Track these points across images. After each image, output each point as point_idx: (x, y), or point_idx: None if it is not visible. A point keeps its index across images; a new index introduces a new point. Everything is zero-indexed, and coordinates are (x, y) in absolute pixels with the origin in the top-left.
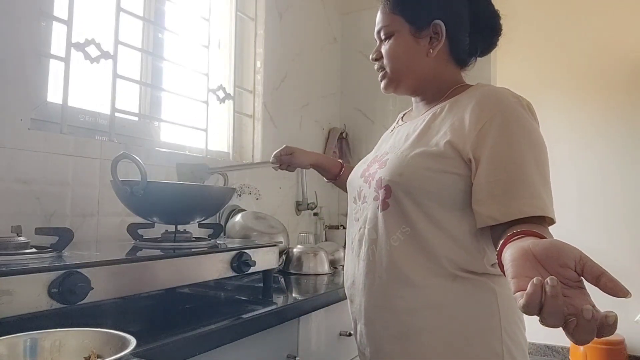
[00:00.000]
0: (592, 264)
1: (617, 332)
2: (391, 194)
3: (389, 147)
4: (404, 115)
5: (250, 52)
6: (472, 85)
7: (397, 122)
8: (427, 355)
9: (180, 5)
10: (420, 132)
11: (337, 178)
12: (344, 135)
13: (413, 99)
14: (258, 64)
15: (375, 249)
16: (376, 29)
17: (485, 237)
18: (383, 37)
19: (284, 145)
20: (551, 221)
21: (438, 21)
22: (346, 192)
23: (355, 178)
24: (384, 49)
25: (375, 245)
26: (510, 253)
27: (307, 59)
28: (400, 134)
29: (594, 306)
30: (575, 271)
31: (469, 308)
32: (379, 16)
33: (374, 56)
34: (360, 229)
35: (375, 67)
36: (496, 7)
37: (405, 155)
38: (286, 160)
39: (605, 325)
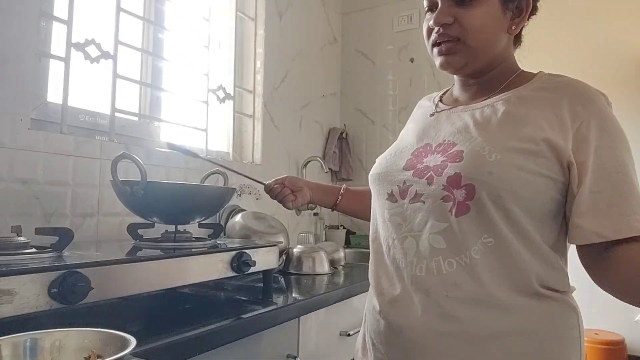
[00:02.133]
0: None
1: (617, 332)
2: (474, 196)
3: (449, 136)
4: (441, 96)
5: (250, 52)
6: (535, 74)
7: (436, 105)
8: None
9: (180, 5)
10: (500, 122)
11: (336, 205)
12: (344, 135)
13: (461, 80)
14: (258, 64)
15: (442, 262)
16: None
17: (564, 252)
18: (467, 0)
19: (288, 176)
20: None
21: None
22: (348, 214)
23: (391, 171)
24: (462, 15)
25: (443, 257)
26: None
27: (307, 59)
28: (460, 121)
29: None
30: None
31: (557, 330)
32: None
33: (446, 20)
34: (408, 235)
35: (435, 36)
36: None
37: (490, 149)
38: (287, 196)
39: None
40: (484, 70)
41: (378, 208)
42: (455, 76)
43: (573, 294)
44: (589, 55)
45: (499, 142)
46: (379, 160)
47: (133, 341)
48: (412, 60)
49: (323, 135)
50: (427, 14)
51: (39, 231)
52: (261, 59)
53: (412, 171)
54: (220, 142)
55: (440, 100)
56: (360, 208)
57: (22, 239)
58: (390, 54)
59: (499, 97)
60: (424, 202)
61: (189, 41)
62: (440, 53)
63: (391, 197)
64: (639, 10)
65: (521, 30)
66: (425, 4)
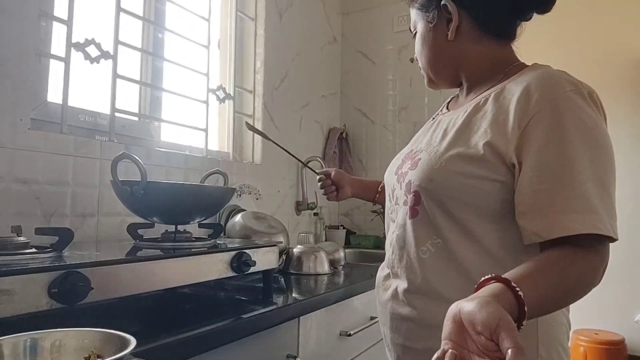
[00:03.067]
0: (505, 336)
1: (617, 332)
2: (420, 202)
3: (424, 143)
4: (449, 101)
5: (250, 52)
6: (528, 66)
7: (441, 110)
8: None
9: (180, 5)
10: (458, 128)
11: (375, 199)
12: (344, 135)
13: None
14: (258, 64)
15: (403, 257)
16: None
17: (532, 253)
18: (414, 35)
19: (335, 171)
20: (611, 239)
21: (443, 1)
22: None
23: (390, 174)
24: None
25: (403, 253)
26: (449, 310)
27: (307, 59)
28: (440, 128)
29: None
30: (492, 340)
31: None
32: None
33: (412, 57)
34: (394, 232)
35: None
36: None
37: (438, 156)
38: (331, 192)
39: None
40: (457, 78)
41: (386, 205)
42: None
43: None
44: (589, 54)
45: (449, 149)
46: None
47: (133, 341)
48: (412, 60)
49: (323, 135)
50: None
51: (39, 231)
52: (261, 59)
53: (397, 176)
54: (220, 142)
55: (447, 104)
56: None
57: (22, 239)
58: (390, 54)
59: (474, 100)
60: (399, 205)
61: (189, 41)
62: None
63: (389, 198)
64: (629, 8)
65: (497, 23)
66: None
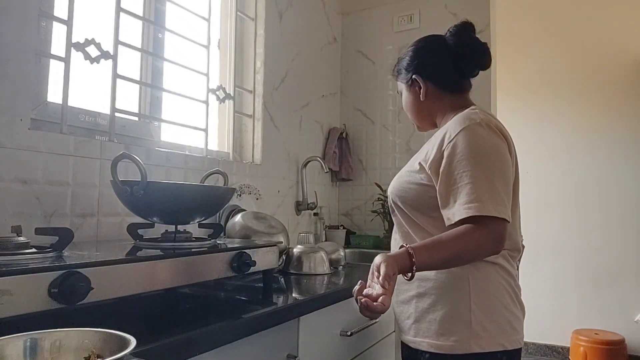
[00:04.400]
0: (378, 274)
1: (617, 332)
2: (391, 203)
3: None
4: None
5: (250, 52)
6: (461, 111)
7: None
8: (427, 328)
9: (180, 5)
10: (415, 155)
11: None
12: (344, 135)
13: None
14: (258, 64)
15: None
16: None
17: None
18: (400, 96)
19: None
20: (497, 219)
21: (414, 76)
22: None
23: None
24: None
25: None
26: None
27: (307, 59)
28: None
29: (377, 297)
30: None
31: (447, 288)
32: None
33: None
34: None
35: None
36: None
37: (401, 173)
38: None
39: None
40: (433, 123)
41: None
42: None
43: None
44: (586, 54)
45: (406, 167)
46: None
47: (133, 341)
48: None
49: (323, 135)
50: None
51: (39, 231)
52: (261, 59)
53: None
54: (220, 142)
55: None
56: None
57: (22, 239)
58: (390, 54)
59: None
60: None
61: (189, 41)
62: None
63: None
64: (632, 10)
65: (451, 84)
66: None
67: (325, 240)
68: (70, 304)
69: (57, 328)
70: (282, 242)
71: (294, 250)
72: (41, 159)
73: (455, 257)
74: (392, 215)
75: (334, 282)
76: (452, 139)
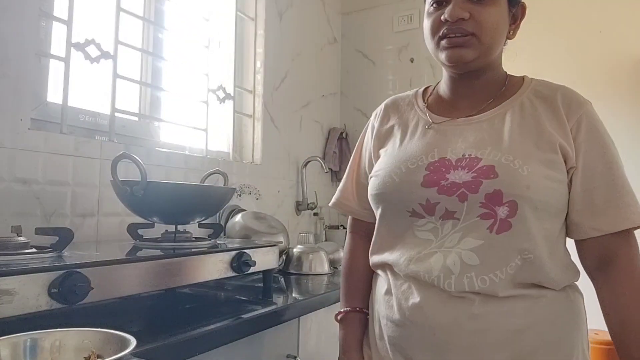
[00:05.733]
0: None
1: None
2: (517, 212)
3: (468, 150)
4: (426, 100)
5: (250, 52)
6: (522, 78)
7: (426, 117)
8: None
9: (180, 5)
10: (518, 133)
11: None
12: (344, 135)
13: (457, 80)
14: (258, 64)
15: (475, 278)
16: None
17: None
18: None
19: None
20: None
21: (523, 2)
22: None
23: (407, 188)
24: (478, 12)
25: (476, 274)
26: None
27: (307, 59)
28: (474, 134)
29: None
30: None
31: (570, 324)
32: None
33: (463, 15)
34: (437, 250)
35: (446, 29)
36: None
37: (521, 162)
38: None
39: None
40: (485, 70)
41: (396, 225)
42: (449, 75)
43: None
44: (590, 53)
45: (524, 154)
46: (383, 176)
47: (133, 341)
48: (412, 60)
49: (323, 135)
50: (433, 7)
51: (39, 231)
52: (261, 59)
53: (435, 188)
54: (220, 142)
55: (427, 105)
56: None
57: (22, 239)
58: (390, 54)
59: (502, 107)
60: (458, 220)
61: (189, 41)
62: (451, 44)
63: (415, 214)
64: (629, 8)
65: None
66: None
67: (325, 240)
68: (70, 304)
69: (57, 328)
70: (282, 242)
71: (294, 250)
72: (41, 159)
73: None
74: (499, 226)
75: (334, 282)
76: (581, 120)
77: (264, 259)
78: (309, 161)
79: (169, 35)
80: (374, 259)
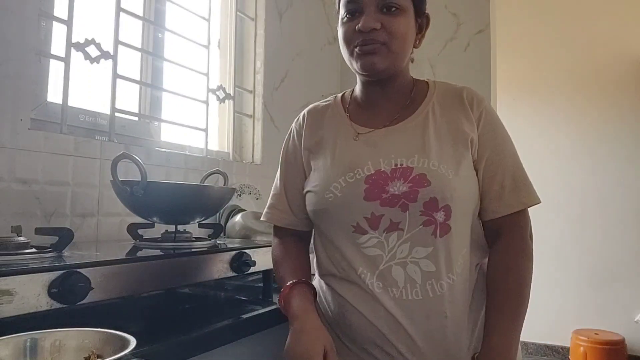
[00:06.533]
0: None
1: (617, 332)
2: (451, 215)
3: (399, 159)
4: (346, 109)
5: (250, 52)
6: (427, 81)
7: (352, 128)
8: None
9: (180, 5)
10: (438, 137)
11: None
12: None
13: (370, 87)
14: (258, 64)
15: (435, 283)
16: None
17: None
18: (392, 9)
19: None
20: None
21: (427, 13)
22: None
23: (349, 202)
24: (388, 22)
25: (436, 279)
26: None
27: (307, 59)
28: (401, 142)
29: None
30: None
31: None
32: None
33: (374, 25)
34: (392, 264)
35: (361, 39)
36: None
37: (445, 166)
38: None
39: None
40: (395, 76)
41: (339, 242)
42: (362, 82)
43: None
44: (585, 54)
45: (446, 157)
46: (323, 192)
47: (133, 341)
48: (412, 60)
49: None
50: (347, 17)
51: (39, 231)
52: (261, 59)
53: (377, 201)
54: (220, 142)
55: (349, 115)
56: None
57: (22, 239)
58: None
59: (419, 113)
60: (403, 230)
61: (189, 41)
62: (365, 53)
63: (358, 229)
64: (629, 8)
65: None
66: (344, 9)
67: None
68: (70, 304)
69: (57, 328)
70: None
71: None
72: (41, 159)
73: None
74: (440, 230)
75: None
76: (481, 116)
77: (264, 259)
78: None
79: (169, 35)
80: (326, 279)
